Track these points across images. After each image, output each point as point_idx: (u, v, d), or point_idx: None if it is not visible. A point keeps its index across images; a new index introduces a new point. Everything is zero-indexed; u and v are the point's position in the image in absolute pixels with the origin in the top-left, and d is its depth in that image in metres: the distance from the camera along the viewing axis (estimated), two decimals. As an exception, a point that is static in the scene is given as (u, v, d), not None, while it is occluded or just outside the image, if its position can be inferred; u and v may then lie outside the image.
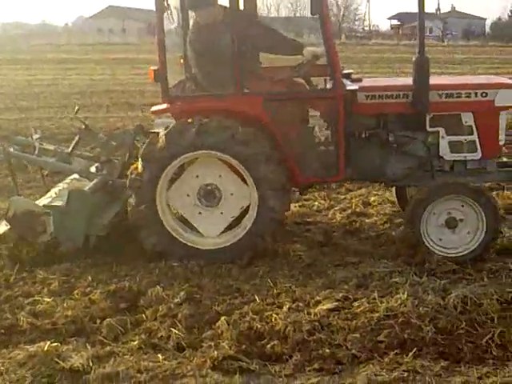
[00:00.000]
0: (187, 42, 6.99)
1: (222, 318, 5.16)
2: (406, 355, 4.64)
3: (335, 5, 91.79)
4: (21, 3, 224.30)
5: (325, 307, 5.23)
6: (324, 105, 6.86)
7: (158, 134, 6.72)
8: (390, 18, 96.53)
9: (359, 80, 7.03)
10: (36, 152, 7.89)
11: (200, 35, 6.83)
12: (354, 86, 6.71)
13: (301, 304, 5.37)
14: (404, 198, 7.90)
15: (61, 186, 7.78)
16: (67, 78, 27.29)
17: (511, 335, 4.84)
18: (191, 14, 7.12)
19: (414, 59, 6.58)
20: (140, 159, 6.61)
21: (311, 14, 6.31)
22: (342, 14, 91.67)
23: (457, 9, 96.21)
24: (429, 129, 6.81)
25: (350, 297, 5.41)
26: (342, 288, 5.62)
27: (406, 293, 5.27)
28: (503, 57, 39.09)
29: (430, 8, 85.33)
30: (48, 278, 6.29)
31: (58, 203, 6.94)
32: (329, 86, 6.80)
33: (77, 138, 8.03)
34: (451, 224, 6.47)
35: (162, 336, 5.09)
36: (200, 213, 6.71)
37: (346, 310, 5.20)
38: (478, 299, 5.21)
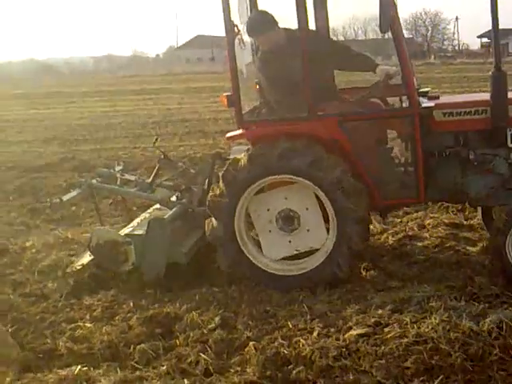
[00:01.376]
0: (256, 67, 7.03)
1: (251, 344, 5.14)
2: (433, 382, 4.52)
3: (423, 25, 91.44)
4: (112, 37, 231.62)
5: (355, 333, 5.12)
6: (400, 124, 6.79)
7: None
8: (479, 36, 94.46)
9: (436, 97, 6.88)
10: (118, 183, 8.10)
11: (266, 60, 6.85)
12: (430, 104, 6.60)
13: (332, 329, 5.28)
14: (490, 218, 7.62)
15: (143, 215, 7.95)
16: (145, 108, 27.94)
17: (547, 362, 4.65)
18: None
19: (490, 74, 6.43)
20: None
21: (381, 32, 6.23)
22: (429, 34, 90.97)
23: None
24: (510, 145, 6.54)
25: (382, 322, 5.27)
26: (375, 313, 5.48)
27: (438, 318, 5.11)
28: None
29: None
30: (93, 305, 6.44)
31: (139, 232, 7.06)
32: (404, 104, 6.70)
33: (156, 167, 8.19)
34: None
35: (191, 361, 5.11)
36: (270, 231, 6.66)
37: (376, 336, 5.07)
38: (514, 324, 5.01)
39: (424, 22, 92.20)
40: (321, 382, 4.63)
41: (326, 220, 6.54)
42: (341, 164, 6.37)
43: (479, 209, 7.88)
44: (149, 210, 8.12)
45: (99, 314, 6.20)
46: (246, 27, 6.87)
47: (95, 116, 25.76)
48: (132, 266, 6.84)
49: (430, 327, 5.02)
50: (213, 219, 6.64)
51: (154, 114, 25.28)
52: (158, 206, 7.97)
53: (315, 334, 5.22)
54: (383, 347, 4.89)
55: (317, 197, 6.49)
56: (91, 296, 6.67)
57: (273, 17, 6.83)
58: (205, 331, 5.54)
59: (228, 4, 6.47)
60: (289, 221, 6.59)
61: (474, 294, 5.95)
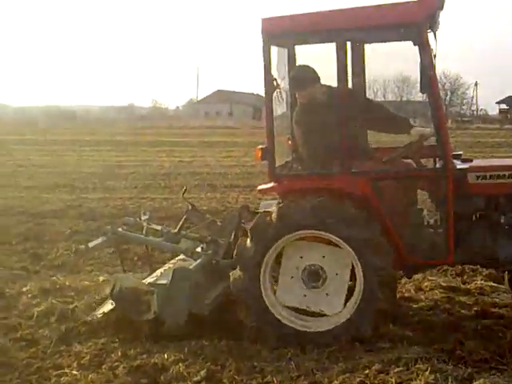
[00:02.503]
0: (293, 121, 7.09)
1: (231, 399, 5.12)
2: None
3: (442, 89, 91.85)
4: (134, 88, 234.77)
5: (338, 392, 5.12)
6: (433, 184, 6.77)
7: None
8: (498, 102, 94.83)
9: (470, 160, 6.94)
10: (144, 232, 8.11)
11: (304, 114, 6.92)
12: (465, 165, 6.63)
13: (316, 388, 5.28)
14: None
15: (167, 266, 7.95)
16: (158, 160, 28.17)
17: (528, 429, 4.60)
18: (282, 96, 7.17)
19: None
20: None
21: (421, 92, 6.27)
22: (448, 98, 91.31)
23: None
24: None
25: (368, 382, 5.28)
26: (362, 373, 5.47)
27: (423, 380, 5.10)
28: None
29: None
30: (82, 352, 6.41)
31: (163, 281, 7.03)
32: (438, 165, 6.68)
33: (183, 218, 8.14)
34: None
35: (172, 413, 5.09)
36: (292, 277, 6.61)
37: (360, 396, 5.06)
38: (499, 390, 4.97)
39: (443, 86, 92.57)
40: None
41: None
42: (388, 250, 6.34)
43: (506, 274, 7.79)
44: (172, 261, 8.13)
45: (87, 362, 6.17)
46: (289, 81, 7.02)
47: (107, 165, 25.95)
48: (154, 315, 6.74)
49: (415, 389, 4.99)
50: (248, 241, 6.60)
51: (165, 166, 25.50)
52: (182, 256, 7.95)
53: (298, 391, 5.19)
54: (367, 407, 4.85)
55: (352, 269, 6.46)
56: (81, 343, 6.65)
57: (315, 72, 6.94)
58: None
59: (269, 58, 6.62)
60: (314, 277, 6.55)
61: (462, 357, 5.88)
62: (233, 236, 7.48)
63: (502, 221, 6.56)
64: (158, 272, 7.75)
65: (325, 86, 6.97)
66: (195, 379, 5.60)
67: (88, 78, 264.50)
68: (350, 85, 7.25)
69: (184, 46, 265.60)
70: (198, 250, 7.77)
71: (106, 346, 6.53)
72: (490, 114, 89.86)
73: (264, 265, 6.53)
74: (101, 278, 9.17)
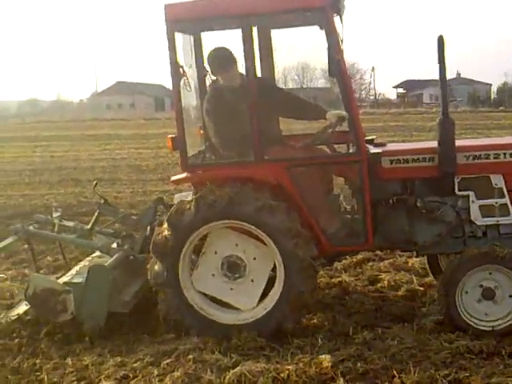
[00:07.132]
0: (203, 110, 6.90)
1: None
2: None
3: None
4: (36, 81, 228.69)
5: (103, 384, 5.27)
6: (347, 170, 6.76)
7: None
8: (395, 87, 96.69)
9: (383, 144, 6.93)
10: (56, 229, 7.87)
11: (213, 103, 6.77)
12: (378, 150, 6.60)
13: (82, 383, 5.49)
14: (436, 266, 7.68)
15: (82, 263, 7.71)
16: (30, 156, 27.74)
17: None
18: (208, 81, 7.06)
19: (437, 120, 6.44)
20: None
21: (329, 76, 6.15)
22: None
23: (462, 75, 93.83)
24: (458, 193, 6.55)
25: (131, 375, 5.44)
26: (131, 365, 5.63)
27: (182, 371, 5.31)
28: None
29: (434, 75, 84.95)
30: None
31: (79, 280, 6.80)
32: (352, 150, 6.62)
33: (96, 213, 7.94)
34: (488, 295, 6.24)
35: None
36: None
37: (120, 388, 5.22)
38: (253, 377, 5.19)
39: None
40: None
41: None
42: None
43: (425, 257, 7.89)
44: (88, 258, 7.87)
45: None
46: (209, 62, 6.82)
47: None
48: (71, 316, 6.50)
49: (171, 380, 5.21)
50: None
51: (35, 161, 25.17)
52: (97, 253, 7.73)
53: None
54: (122, 398, 5.03)
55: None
56: None
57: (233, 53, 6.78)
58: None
59: (175, 46, 6.44)
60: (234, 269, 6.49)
61: (238, 346, 6.02)
62: (149, 229, 7.38)
63: (419, 205, 6.56)
64: (74, 270, 7.52)
65: (240, 72, 6.81)
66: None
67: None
68: (258, 72, 7.16)
69: (83, 38, 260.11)
70: (114, 245, 7.60)
71: None
72: (389, 97, 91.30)
73: (182, 255, 6.43)
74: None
